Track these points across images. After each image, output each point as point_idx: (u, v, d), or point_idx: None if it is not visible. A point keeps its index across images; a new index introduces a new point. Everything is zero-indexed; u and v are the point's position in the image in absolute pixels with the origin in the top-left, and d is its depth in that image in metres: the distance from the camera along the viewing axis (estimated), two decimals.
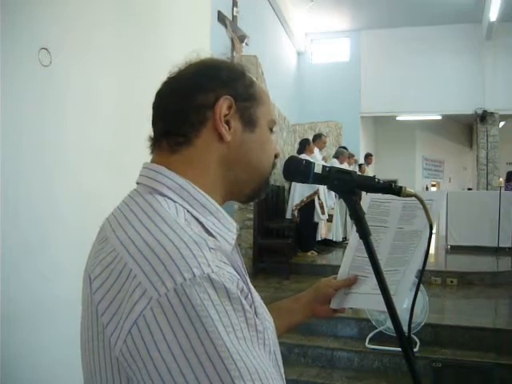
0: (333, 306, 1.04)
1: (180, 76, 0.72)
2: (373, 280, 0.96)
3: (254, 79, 0.77)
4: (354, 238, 1.07)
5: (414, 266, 0.94)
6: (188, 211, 0.64)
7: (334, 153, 7.91)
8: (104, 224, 0.68)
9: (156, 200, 0.64)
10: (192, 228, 0.60)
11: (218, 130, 0.69)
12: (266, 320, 0.63)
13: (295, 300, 1.08)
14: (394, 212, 1.02)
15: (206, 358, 0.51)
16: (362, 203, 1.06)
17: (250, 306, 0.57)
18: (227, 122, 0.69)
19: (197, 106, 0.69)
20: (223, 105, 0.69)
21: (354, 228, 1.08)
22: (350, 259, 1.06)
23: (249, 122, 0.72)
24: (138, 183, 0.70)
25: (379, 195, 1.05)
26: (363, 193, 1.08)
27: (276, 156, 0.79)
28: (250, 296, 0.58)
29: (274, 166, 0.79)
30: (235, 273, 0.58)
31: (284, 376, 0.69)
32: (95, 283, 0.60)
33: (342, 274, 1.06)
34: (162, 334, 0.52)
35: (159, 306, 0.52)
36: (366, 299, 0.99)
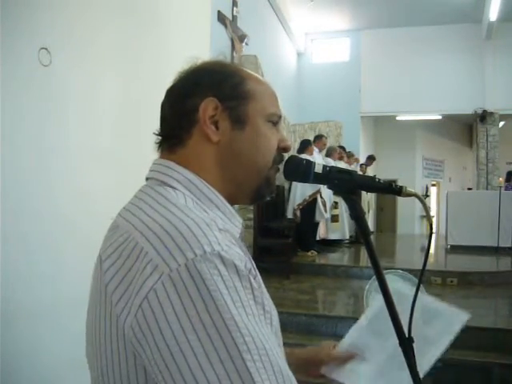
0: (323, 372, 1.03)
1: (173, 84, 0.77)
2: (369, 367, 0.96)
3: (249, 75, 0.77)
4: (364, 317, 1.06)
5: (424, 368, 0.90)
6: (196, 203, 0.67)
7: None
8: (116, 216, 0.71)
9: (166, 190, 0.67)
10: (202, 212, 0.63)
11: (205, 131, 0.71)
12: (272, 309, 0.64)
13: (291, 353, 1.08)
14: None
15: (214, 331, 0.52)
16: (375, 303, 1.05)
17: (259, 287, 0.60)
18: (215, 123, 0.72)
19: (186, 110, 0.72)
20: (208, 106, 0.71)
21: (366, 309, 1.08)
22: (356, 335, 1.04)
23: (237, 121, 0.73)
24: (148, 178, 0.73)
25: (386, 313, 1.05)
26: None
27: (285, 149, 0.79)
28: (258, 278, 0.61)
29: (279, 160, 0.79)
30: (243, 254, 0.60)
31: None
32: (106, 263, 0.63)
33: (344, 344, 1.05)
34: (171, 307, 0.53)
35: (170, 280, 0.54)
36: (357, 381, 0.98)
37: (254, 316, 0.55)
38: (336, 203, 7.23)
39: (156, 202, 0.65)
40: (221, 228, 0.60)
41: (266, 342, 0.54)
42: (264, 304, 0.58)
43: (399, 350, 0.95)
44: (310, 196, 6.30)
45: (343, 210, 7.51)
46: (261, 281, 0.63)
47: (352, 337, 1.05)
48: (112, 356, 0.60)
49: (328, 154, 7.51)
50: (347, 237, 7.78)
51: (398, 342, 0.95)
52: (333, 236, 7.39)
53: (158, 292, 0.54)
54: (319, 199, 6.41)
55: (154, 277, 0.55)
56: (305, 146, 6.54)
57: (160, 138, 0.76)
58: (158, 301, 0.54)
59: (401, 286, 1.05)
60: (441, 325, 0.86)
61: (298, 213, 6.32)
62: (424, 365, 0.92)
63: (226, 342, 0.52)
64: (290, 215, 6.45)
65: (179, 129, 0.73)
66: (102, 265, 0.64)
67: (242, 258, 0.59)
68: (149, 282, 0.55)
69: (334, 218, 7.17)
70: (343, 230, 7.62)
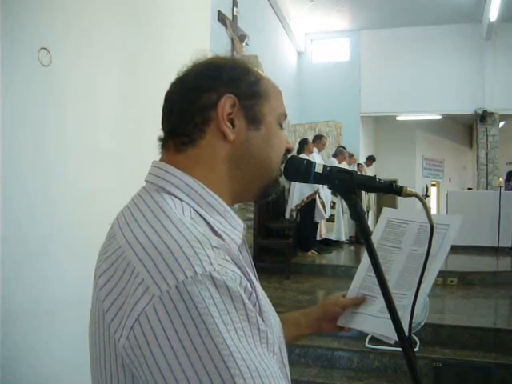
0: (339, 323, 1.04)
1: (184, 77, 0.73)
2: (381, 301, 0.96)
3: (262, 74, 0.76)
4: (366, 257, 1.07)
5: (422, 292, 0.92)
6: (194, 210, 0.65)
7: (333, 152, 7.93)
8: (114, 221, 0.69)
9: (163, 198, 0.65)
10: (196, 227, 0.61)
11: (222, 129, 0.69)
12: (272, 317, 0.63)
13: (303, 314, 1.08)
14: (409, 234, 1.02)
15: (206, 355, 0.51)
16: (379, 222, 1.07)
17: (254, 305, 0.58)
18: (231, 121, 0.70)
19: (200, 106, 0.69)
20: (226, 104, 0.69)
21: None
22: (361, 278, 1.05)
23: (253, 120, 0.72)
24: (146, 181, 0.71)
25: (398, 215, 1.06)
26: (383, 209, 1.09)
27: (288, 150, 0.79)
28: (254, 294, 0.59)
29: (283, 161, 0.78)
30: (238, 271, 0.58)
31: (289, 374, 0.69)
32: (100, 280, 0.62)
33: (352, 291, 1.06)
34: (163, 331, 0.52)
35: (161, 302, 0.53)
36: (372, 322, 0.99)
37: (247, 338, 0.54)
38: (334, 203, 7.23)
39: (151, 213, 0.63)
40: (214, 245, 0.58)
41: (259, 364, 0.53)
42: (259, 324, 0.56)
43: (401, 279, 0.98)
44: (307, 197, 6.30)
45: (340, 210, 7.51)
46: (259, 293, 0.61)
47: (358, 281, 1.06)
48: (111, 372, 0.59)
49: (334, 155, 7.51)
50: (343, 238, 7.76)
51: (400, 271, 1.00)
52: (327, 236, 7.38)
53: (148, 315, 0.53)
54: (318, 200, 6.41)
55: (145, 299, 0.54)
56: (302, 145, 6.55)
57: (163, 134, 0.73)
58: (149, 324, 0.53)
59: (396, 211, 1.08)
60: (437, 235, 0.87)
61: (295, 214, 6.32)
62: (430, 278, 0.93)
63: (218, 366, 0.51)
64: (287, 216, 6.45)
65: (191, 125, 0.70)
66: (97, 281, 0.63)
67: (236, 276, 0.57)
68: (140, 304, 0.54)
69: (330, 218, 7.17)
70: (339, 230, 7.60)
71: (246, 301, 0.56)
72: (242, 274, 0.58)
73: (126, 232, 0.63)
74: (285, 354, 0.69)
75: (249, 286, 0.58)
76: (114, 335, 0.57)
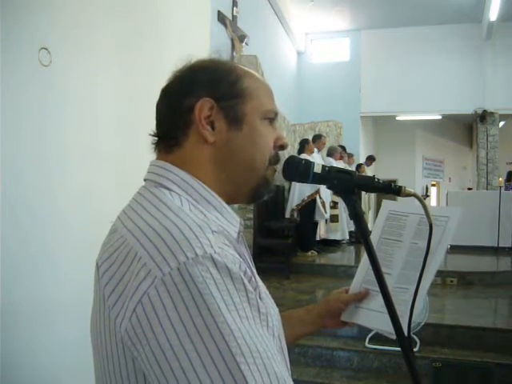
0: (343, 318, 1.05)
1: (169, 83, 0.76)
2: (381, 300, 0.97)
3: (245, 72, 0.76)
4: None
5: (423, 289, 0.92)
6: (192, 204, 0.67)
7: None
8: (115, 220, 0.71)
9: (162, 193, 0.67)
10: (196, 214, 0.63)
11: (200, 132, 0.71)
12: (271, 307, 0.64)
13: (306, 311, 1.09)
14: (409, 226, 1.02)
15: (207, 335, 0.52)
16: (379, 215, 1.07)
17: (255, 289, 0.59)
18: (211, 123, 0.71)
19: (182, 110, 0.72)
20: (203, 107, 0.70)
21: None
22: (364, 272, 1.05)
23: (234, 120, 0.72)
24: (145, 180, 0.73)
25: (398, 208, 1.06)
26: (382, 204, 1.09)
27: (282, 147, 0.78)
28: (253, 279, 0.60)
29: (276, 159, 0.78)
30: (238, 255, 0.60)
31: (289, 364, 0.70)
32: (102, 267, 0.64)
33: (355, 286, 1.06)
34: (165, 312, 0.53)
35: (163, 284, 0.54)
36: (375, 318, 0.99)
37: (248, 319, 0.55)
38: (335, 203, 7.23)
39: (151, 205, 0.65)
40: (214, 230, 0.60)
41: (260, 344, 0.54)
42: (259, 306, 0.58)
43: (403, 272, 0.99)
44: (308, 197, 6.30)
45: (342, 210, 7.52)
46: (258, 281, 0.62)
47: (361, 275, 1.06)
48: (113, 359, 0.60)
49: (329, 154, 7.50)
50: (347, 237, 7.78)
51: (401, 265, 1.00)
52: (332, 236, 7.39)
53: (151, 297, 0.54)
54: (318, 200, 6.41)
55: (147, 281, 0.55)
56: (303, 145, 6.55)
57: (156, 138, 0.75)
58: (152, 305, 0.54)
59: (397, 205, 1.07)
60: (436, 228, 0.87)
61: (296, 213, 6.31)
62: (430, 273, 0.92)
63: (220, 346, 0.52)
64: (287, 215, 6.45)
65: (175, 129, 0.72)
66: (99, 269, 0.65)
67: (236, 259, 0.58)
68: (142, 286, 0.55)
69: (333, 218, 7.17)
70: (343, 230, 7.63)
71: (247, 283, 0.57)
72: (241, 259, 0.60)
73: (127, 223, 0.65)
74: (285, 347, 0.69)
75: (248, 270, 0.59)
76: (116, 320, 0.58)
